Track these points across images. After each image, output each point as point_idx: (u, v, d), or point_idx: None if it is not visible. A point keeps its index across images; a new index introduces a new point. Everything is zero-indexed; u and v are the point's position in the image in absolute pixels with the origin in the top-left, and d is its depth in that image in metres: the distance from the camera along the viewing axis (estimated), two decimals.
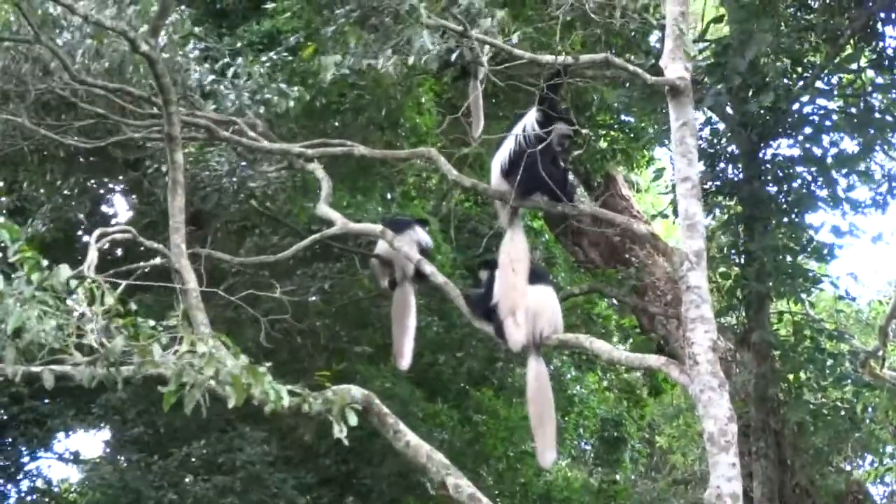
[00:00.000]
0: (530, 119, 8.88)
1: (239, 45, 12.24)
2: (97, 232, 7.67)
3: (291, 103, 10.80)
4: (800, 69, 13.18)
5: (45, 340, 5.49)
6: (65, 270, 5.65)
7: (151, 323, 5.70)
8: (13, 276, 5.60)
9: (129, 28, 8.49)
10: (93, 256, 7.12)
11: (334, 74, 9.65)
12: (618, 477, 18.62)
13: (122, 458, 13.21)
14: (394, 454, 12.43)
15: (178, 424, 13.12)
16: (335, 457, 13.38)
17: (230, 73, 10.75)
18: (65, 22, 9.65)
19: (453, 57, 9.11)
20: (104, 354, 5.66)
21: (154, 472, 12.60)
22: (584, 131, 9.14)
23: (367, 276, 12.35)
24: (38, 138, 10.39)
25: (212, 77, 10.55)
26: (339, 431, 6.10)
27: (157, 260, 8.21)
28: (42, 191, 12.34)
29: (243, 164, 11.51)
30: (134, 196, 13.46)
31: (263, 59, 11.76)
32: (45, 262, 5.62)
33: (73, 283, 5.77)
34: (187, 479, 12.72)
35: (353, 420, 6.16)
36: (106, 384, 5.93)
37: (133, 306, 5.94)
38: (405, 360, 10.43)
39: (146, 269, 8.09)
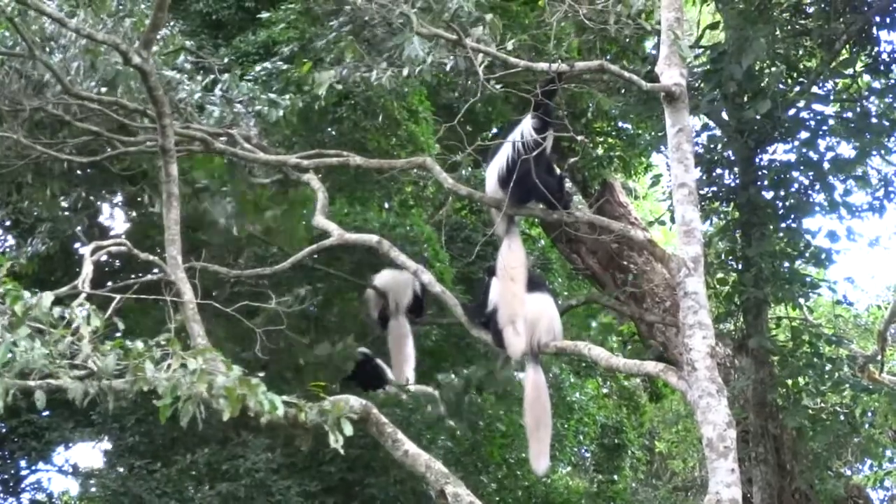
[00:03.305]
0: (526, 126, 8.88)
1: (229, 59, 12.23)
2: (92, 245, 7.68)
3: (281, 112, 10.80)
4: (795, 74, 13.18)
5: (35, 365, 5.49)
6: (47, 299, 5.64)
7: (140, 344, 5.71)
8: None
9: (122, 41, 8.49)
10: (88, 270, 7.12)
11: (329, 88, 9.68)
12: (615, 478, 18.56)
13: (123, 468, 13.14)
14: (398, 463, 12.45)
15: (176, 434, 13.08)
16: (339, 465, 13.34)
17: (218, 88, 10.74)
18: (54, 44, 9.68)
19: (448, 66, 9.13)
20: (97, 374, 5.67)
21: (157, 479, 12.56)
22: (579, 138, 9.14)
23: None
24: (35, 156, 10.40)
25: (198, 95, 10.54)
26: (335, 441, 6.10)
27: (154, 275, 8.22)
28: (40, 205, 12.28)
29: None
30: (131, 209, 13.44)
31: (258, 68, 11.76)
32: (26, 293, 5.61)
33: (67, 300, 5.78)
34: (190, 488, 12.68)
35: (349, 430, 6.16)
36: (98, 400, 5.94)
37: (120, 325, 5.95)
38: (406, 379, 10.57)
39: (144, 282, 8.11)
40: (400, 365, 10.46)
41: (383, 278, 10.22)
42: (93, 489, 13.57)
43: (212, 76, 10.93)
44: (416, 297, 10.35)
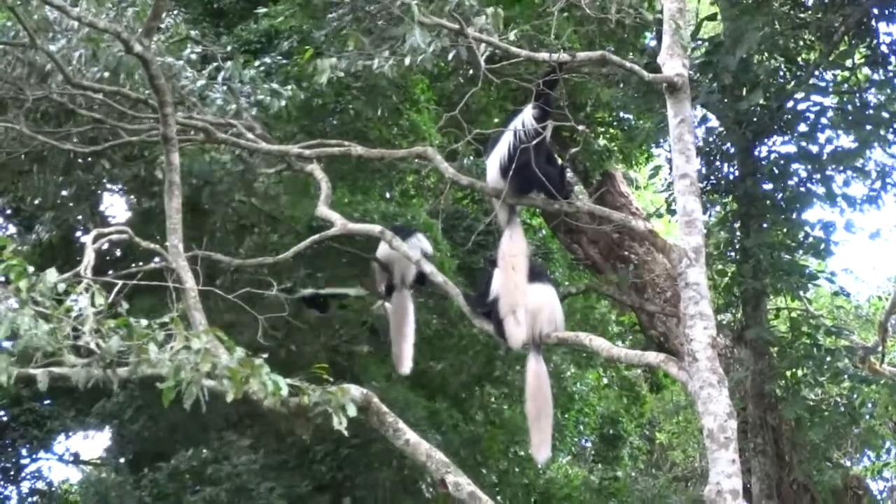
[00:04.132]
0: (526, 116, 8.88)
1: (231, 47, 12.24)
2: (94, 233, 7.67)
3: (283, 102, 10.81)
4: (794, 67, 13.19)
5: (38, 344, 5.49)
6: (51, 275, 5.65)
7: (145, 322, 5.71)
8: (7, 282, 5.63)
9: (124, 30, 8.49)
10: (90, 258, 7.11)
11: (330, 77, 9.66)
12: (619, 474, 18.56)
13: (109, 476, 13.19)
14: (390, 460, 12.47)
15: (176, 427, 13.12)
16: (331, 463, 13.36)
17: (220, 77, 10.74)
18: (58, 27, 9.66)
19: (450, 56, 9.13)
20: (100, 355, 5.67)
21: (143, 486, 12.55)
22: (580, 128, 9.12)
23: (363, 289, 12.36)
24: (37, 145, 10.38)
25: (202, 83, 10.53)
26: (339, 423, 6.10)
27: (156, 262, 8.22)
28: (40, 199, 12.28)
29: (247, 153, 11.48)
30: (133, 196, 13.46)
31: (258, 63, 11.77)
32: (31, 269, 5.62)
33: (67, 285, 5.79)
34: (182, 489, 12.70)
35: (352, 411, 6.17)
36: (102, 385, 5.94)
37: (125, 305, 5.95)
38: (405, 366, 10.45)
39: (147, 271, 8.12)
40: (399, 340, 10.41)
41: (387, 250, 10.13)
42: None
43: (215, 64, 10.93)
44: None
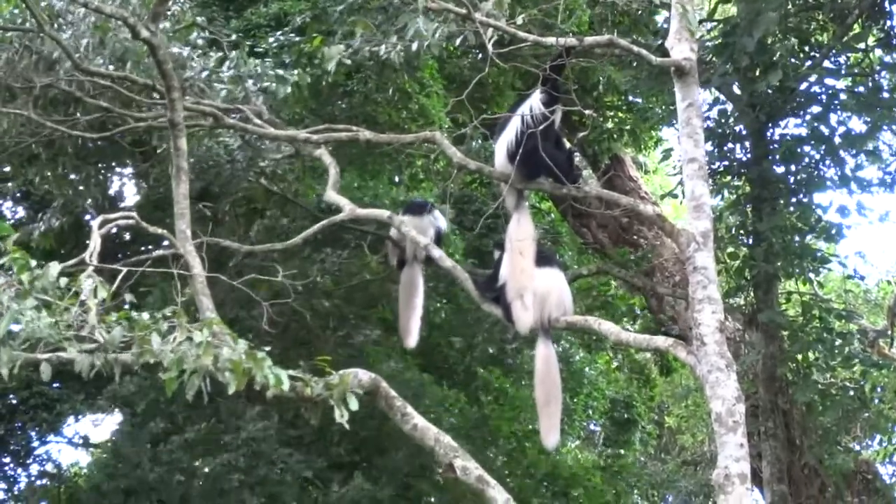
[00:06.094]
0: (534, 100, 8.87)
1: (240, 32, 12.21)
2: (100, 218, 7.68)
3: (289, 89, 10.79)
4: (807, 48, 13.11)
5: (40, 335, 5.51)
6: (54, 269, 5.66)
7: (146, 315, 5.72)
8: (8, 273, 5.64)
9: (130, 15, 8.49)
10: (96, 243, 7.12)
11: (338, 62, 9.65)
12: (627, 456, 18.54)
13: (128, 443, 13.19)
14: (406, 442, 12.45)
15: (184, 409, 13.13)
16: (346, 446, 13.34)
17: (226, 65, 10.73)
18: (62, 20, 9.67)
19: (458, 41, 9.11)
20: (103, 346, 5.68)
21: (160, 457, 12.57)
22: (588, 112, 9.11)
23: (376, 260, 12.40)
24: (46, 133, 10.39)
25: (206, 73, 10.52)
26: (341, 416, 6.10)
27: (163, 251, 8.23)
28: (51, 182, 12.28)
29: (255, 138, 11.46)
30: (142, 181, 13.45)
31: (271, 39, 11.75)
32: (33, 263, 5.63)
33: (77, 273, 5.80)
34: (196, 463, 12.71)
35: (354, 405, 6.16)
36: (104, 373, 5.96)
37: (128, 297, 5.97)
38: (412, 339, 10.49)
39: (154, 257, 8.14)
40: (407, 313, 10.48)
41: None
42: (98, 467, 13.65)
43: (220, 53, 10.92)
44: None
